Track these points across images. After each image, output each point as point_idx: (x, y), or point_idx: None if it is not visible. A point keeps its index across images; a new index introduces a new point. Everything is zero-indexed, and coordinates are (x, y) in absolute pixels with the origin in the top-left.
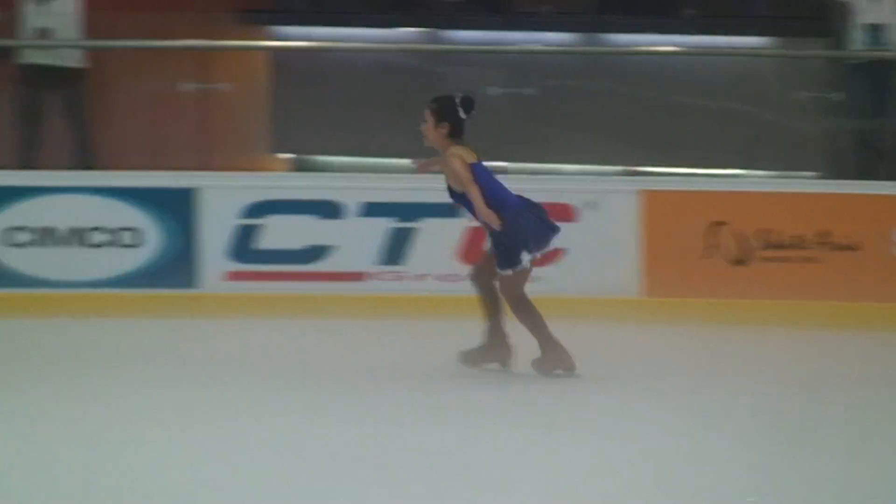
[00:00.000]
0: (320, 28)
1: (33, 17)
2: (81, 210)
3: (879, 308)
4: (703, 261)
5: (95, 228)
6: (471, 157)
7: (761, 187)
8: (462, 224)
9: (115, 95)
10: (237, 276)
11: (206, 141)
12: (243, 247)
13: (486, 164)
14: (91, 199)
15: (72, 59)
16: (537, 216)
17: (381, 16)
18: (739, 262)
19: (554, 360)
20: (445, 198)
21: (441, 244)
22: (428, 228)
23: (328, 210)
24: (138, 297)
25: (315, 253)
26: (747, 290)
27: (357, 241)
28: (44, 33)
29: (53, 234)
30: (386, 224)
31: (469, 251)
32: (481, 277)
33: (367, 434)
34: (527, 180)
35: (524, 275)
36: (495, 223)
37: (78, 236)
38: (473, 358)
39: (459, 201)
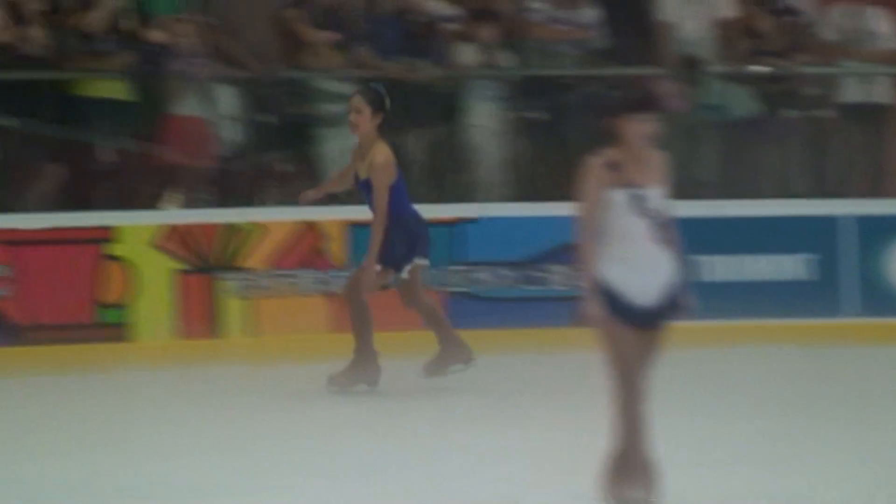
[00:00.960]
0: None
1: None
2: None
3: None
4: None
5: None
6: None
7: None
8: None
9: None
10: None
11: None
12: None
13: None
14: None
15: None
16: (425, 229)
17: None
18: None
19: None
20: None
21: None
22: None
23: None
24: None
25: None
26: None
27: None
28: None
29: None
30: None
31: None
32: (355, 290)
33: None
34: None
35: (384, 278)
36: (380, 231)
37: None
38: (341, 381)
39: (364, 190)
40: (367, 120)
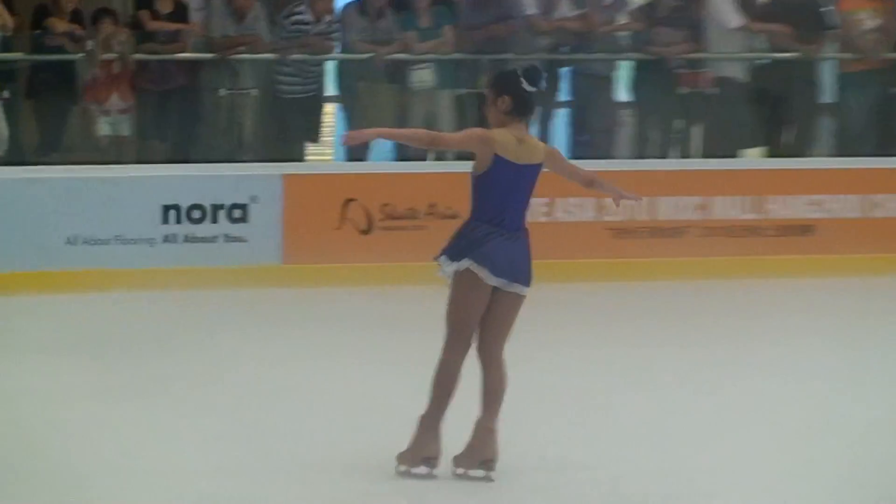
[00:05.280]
0: None
1: None
2: None
3: None
4: (336, 231)
5: None
6: (506, 150)
7: (384, 169)
8: None
9: None
10: None
11: None
12: None
13: None
14: None
15: None
16: (513, 250)
17: None
18: (365, 232)
19: (417, 451)
20: None
21: None
22: None
23: None
24: None
25: None
26: (371, 255)
27: None
28: None
29: None
30: None
31: None
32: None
33: None
34: None
35: (477, 285)
36: (354, 137)
37: None
38: (461, 461)
39: (532, 173)
40: (489, 106)
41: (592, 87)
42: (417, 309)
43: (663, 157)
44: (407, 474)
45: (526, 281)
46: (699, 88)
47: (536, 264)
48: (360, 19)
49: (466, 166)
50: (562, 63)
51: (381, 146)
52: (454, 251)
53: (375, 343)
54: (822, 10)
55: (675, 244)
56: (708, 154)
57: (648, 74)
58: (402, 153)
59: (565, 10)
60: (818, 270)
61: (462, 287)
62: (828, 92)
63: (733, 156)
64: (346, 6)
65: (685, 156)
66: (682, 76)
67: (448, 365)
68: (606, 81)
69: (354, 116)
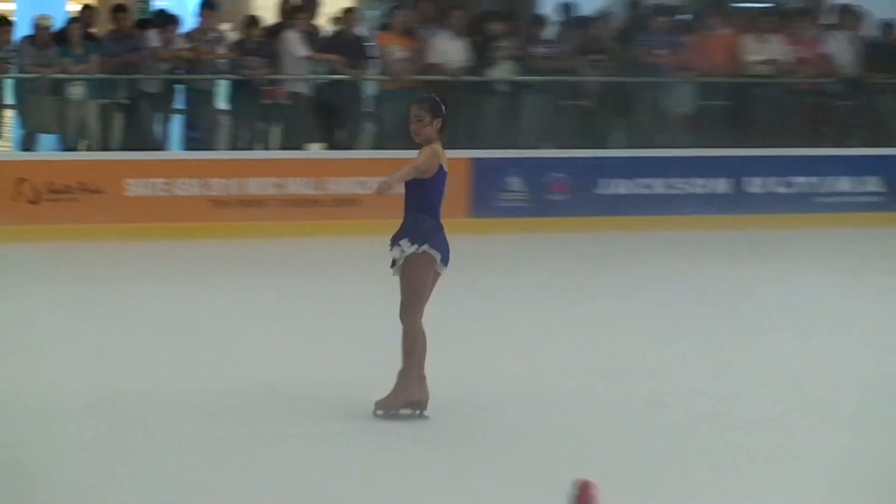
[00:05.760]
0: None
1: None
2: None
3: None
4: (12, 202)
5: None
6: (443, 160)
7: (47, 157)
8: None
9: None
10: None
11: None
12: None
13: None
14: None
15: None
16: (445, 239)
17: None
18: (34, 202)
19: (399, 397)
20: None
21: None
22: None
23: None
24: None
25: None
26: (39, 219)
27: None
28: None
29: None
30: None
31: None
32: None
33: None
34: None
35: (430, 265)
36: (383, 187)
37: None
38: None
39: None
40: (427, 125)
41: (200, 99)
42: (77, 258)
43: (250, 149)
44: (385, 416)
45: (448, 263)
46: (277, 100)
47: (158, 227)
48: (31, 48)
49: (108, 155)
50: (178, 82)
51: (46, 139)
52: (415, 237)
53: (52, 286)
54: (366, 44)
55: (258, 212)
56: (283, 147)
57: (240, 90)
58: (65, 145)
59: (180, 43)
60: (363, 232)
61: (421, 265)
62: (370, 103)
63: (301, 148)
64: (21, 39)
65: (266, 148)
66: (264, 91)
67: (415, 328)
68: (210, 95)
69: (26, 119)
